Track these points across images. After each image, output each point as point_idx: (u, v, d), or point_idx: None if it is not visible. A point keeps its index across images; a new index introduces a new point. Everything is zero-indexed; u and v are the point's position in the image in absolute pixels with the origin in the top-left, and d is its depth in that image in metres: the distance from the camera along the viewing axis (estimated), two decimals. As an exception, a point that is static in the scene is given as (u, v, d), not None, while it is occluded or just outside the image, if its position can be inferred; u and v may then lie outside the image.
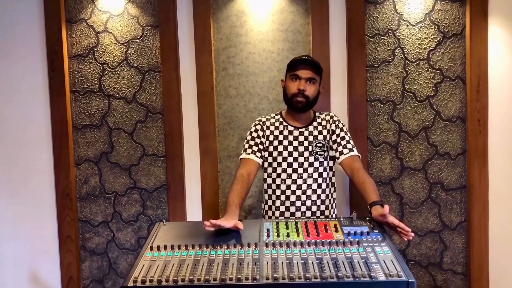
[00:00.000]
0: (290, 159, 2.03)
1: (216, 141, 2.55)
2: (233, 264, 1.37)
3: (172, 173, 2.57)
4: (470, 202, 2.44)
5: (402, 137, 2.49)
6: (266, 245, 1.49)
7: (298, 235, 1.57)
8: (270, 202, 2.09)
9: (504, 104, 2.40)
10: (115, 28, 2.55)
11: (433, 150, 2.48)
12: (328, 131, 2.07)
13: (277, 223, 1.70)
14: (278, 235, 1.58)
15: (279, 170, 2.04)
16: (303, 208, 2.02)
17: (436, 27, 2.41)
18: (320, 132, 2.07)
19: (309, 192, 2.02)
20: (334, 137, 2.06)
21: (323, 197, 2.04)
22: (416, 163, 2.49)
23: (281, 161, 2.04)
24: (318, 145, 2.04)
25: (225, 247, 1.49)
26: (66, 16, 2.56)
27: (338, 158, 2.03)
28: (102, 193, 2.64)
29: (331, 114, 2.12)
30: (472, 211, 2.44)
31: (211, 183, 2.56)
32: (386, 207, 1.61)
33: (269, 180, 2.08)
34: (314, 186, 2.03)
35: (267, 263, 1.38)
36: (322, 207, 2.05)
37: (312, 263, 1.37)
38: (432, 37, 2.42)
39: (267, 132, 2.07)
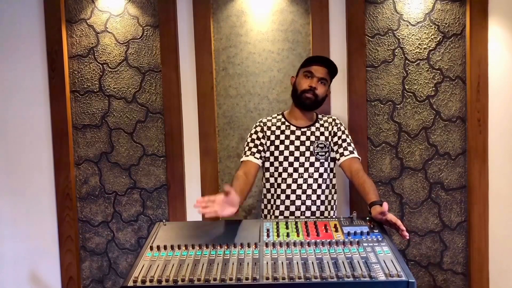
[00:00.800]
0: (291, 158, 2.03)
1: (216, 141, 2.55)
2: (233, 264, 1.37)
3: (172, 173, 2.57)
4: (470, 202, 2.44)
5: (402, 137, 2.49)
6: (266, 245, 1.49)
7: (298, 235, 1.57)
8: (270, 201, 2.09)
9: (504, 104, 2.40)
10: (115, 28, 2.55)
11: (433, 150, 2.48)
12: (330, 132, 2.09)
13: (277, 223, 1.70)
14: (278, 235, 1.58)
15: (280, 169, 2.05)
16: (303, 208, 2.03)
17: (436, 27, 2.41)
18: (322, 133, 2.08)
19: (309, 191, 2.03)
20: (335, 139, 2.08)
21: (322, 197, 2.05)
22: (416, 163, 2.49)
23: (282, 160, 2.04)
24: (320, 145, 2.05)
25: (225, 247, 1.49)
26: (66, 16, 2.56)
27: (339, 159, 2.04)
28: (102, 193, 2.64)
29: (333, 117, 2.15)
30: (472, 211, 2.44)
31: (211, 183, 2.56)
32: (385, 204, 1.62)
33: (271, 179, 2.08)
34: (314, 186, 2.03)
35: (267, 263, 1.38)
36: (322, 208, 2.05)
37: (312, 263, 1.37)
38: (432, 37, 2.42)
39: (268, 133, 2.08)
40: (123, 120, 2.60)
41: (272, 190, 2.08)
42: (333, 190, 2.10)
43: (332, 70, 2.04)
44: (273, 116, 2.16)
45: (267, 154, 2.07)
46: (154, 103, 2.58)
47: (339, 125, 2.11)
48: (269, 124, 2.11)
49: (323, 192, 2.05)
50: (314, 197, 2.03)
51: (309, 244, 1.49)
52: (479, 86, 2.39)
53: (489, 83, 2.40)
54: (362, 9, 2.42)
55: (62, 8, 2.54)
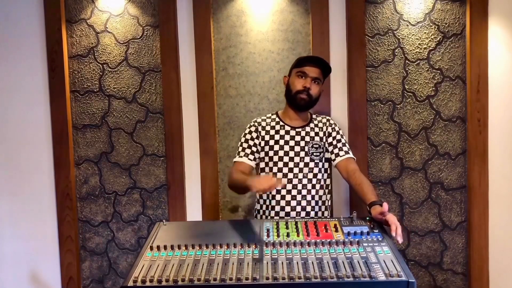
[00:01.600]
0: (286, 159, 2.02)
1: (216, 141, 2.55)
2: (233, 264, 1.37)
3: (172, 173, 2.57)
4: (470, 202, 2.44)
5: (402, 137, 2.49)
6: (266, 245, 1.50)
7: (298, 235, 1.57)
8: (266, 202, 2.08)
9: (504, 104, 2.40)
10: (115, 28, 2.55)
11: (433, 150, 2.48)
12: (324, 133, 2.08)
13: (277, 223, 1.70)
14: (278, 235, 1.58)
15: (275, 169, 2.03)
16: (298, 208, 2.01)
17: (436, 27, 2.41)
18: (316, 134, 2.07)
19: (304, 192, 2.02)
20: (330, 139, 2.07)
21: (317, 198, 2.03)
22: (416, 163, 2.49)
23: (277, 160, 2.03)
24: (315, 146, 2.04)
25: (225, 247, 1.49)
26: (66, 16, 2.56)
27: (334, 160, 2.03)
28: (102, 193, 2.64)
29: (327, 117, 2.15)
30: (472, 211, 2.44)
31: (211, 183, 2.56)
32: (385, 204, 1.62)
33: None
34: (309, 186, 2.02)
35: (267, 263, 1.38)
36: (316, 208, 2.04)
37: (312, 263, 1.37)
38: (432, 37, 2.42)
39: (263, 133, 2.07)
40: (123, 120, 2.60)
41: None
42: (327, 191, 2.09)
43: (325, 69, 2.03)
44: (268, 116, 2.15)
45: (262, 154, 2.07)
46: (154, 103, 2.58)
47: (333, 126, 2.10)
48: (263, 124, 2.10)
49: (317, 192, 2.04)
50: (309, 197, 2.02)
51: (309, 244, 1.49)
52: (479, 86, 2.39)
53: (489, 83, 2.39)
54: (362, 9, 2.42)
55: (62, 8, 2.54)
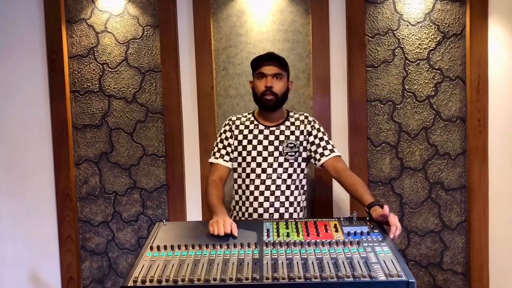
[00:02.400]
0: (259, 159, 1.98)
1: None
2: (233, 264, 1.38)
3: (172, 173, 2.57)
4: (470, 202, 2.44)
5: (402, 137, 2.49)
6: (266, 245, 1.50)
7: (298, 235, 1.57)
8: (239, 203, 2.04)
9: (504, 104, 2.40)
10: (115, 28, 2.55)
11: (433, 150, 2.48)
12: (301, 132, 2.02)
13: (277, 223, 1.70)
14: (278, 235, 1.58)
15: (248, 170, 2.00)
16: (271, 210, 1.97)
17: (436, 27, 2.41)
18: (292, 132, 2.02)
19: (277, 193, 1.97)
20: (311, 138, 2.02)
21: (291, 199, 1.99)
22: (416, 163, 2.49)
23: (250, 160, 1.99)
24: (289, 145, 1.99)
25: (225, 247, 1.49)
26: (66, 16, 2.56)
27: (320, 160, 1.98)
28: (102, 193, 2.64)
29: (305, 114, 2.09)
30: (472, 211, 2.44)
31: (211, 183, 2.56)
32: (386, 207, 1.61)
33: (239, 180, 2.03)
34: (283, 187, 1.98)
35: (267, 263, 1.38)
36: (291, 209, 1.99)
37: (312, 263, 1.37)
38: (432, 37, 2.42)
39: (236, 132, 2.04)
40: (123, 120, 2.60)
41: (240, 192, 2.02)
42: (302, 191, 2.04)
43: (282, 62, 1.97)
44: (244, 114, 2.10)
45: (235, 154, 2.02)
46: (154, 103, 2.58)
47: (312, 123, 2.04)
48: (237, 122, 2.06)
49: (292, 193, 1.99)
50: (282, 198, 1.97)
51: (309, 244, 1.49)
52: (479, 86, 2.39)
53: (489, 83, 2.40)
54: (362, 9, 2.42)
55: (62, 8, 2.54)
